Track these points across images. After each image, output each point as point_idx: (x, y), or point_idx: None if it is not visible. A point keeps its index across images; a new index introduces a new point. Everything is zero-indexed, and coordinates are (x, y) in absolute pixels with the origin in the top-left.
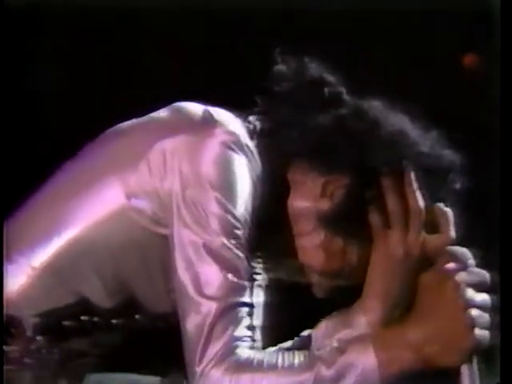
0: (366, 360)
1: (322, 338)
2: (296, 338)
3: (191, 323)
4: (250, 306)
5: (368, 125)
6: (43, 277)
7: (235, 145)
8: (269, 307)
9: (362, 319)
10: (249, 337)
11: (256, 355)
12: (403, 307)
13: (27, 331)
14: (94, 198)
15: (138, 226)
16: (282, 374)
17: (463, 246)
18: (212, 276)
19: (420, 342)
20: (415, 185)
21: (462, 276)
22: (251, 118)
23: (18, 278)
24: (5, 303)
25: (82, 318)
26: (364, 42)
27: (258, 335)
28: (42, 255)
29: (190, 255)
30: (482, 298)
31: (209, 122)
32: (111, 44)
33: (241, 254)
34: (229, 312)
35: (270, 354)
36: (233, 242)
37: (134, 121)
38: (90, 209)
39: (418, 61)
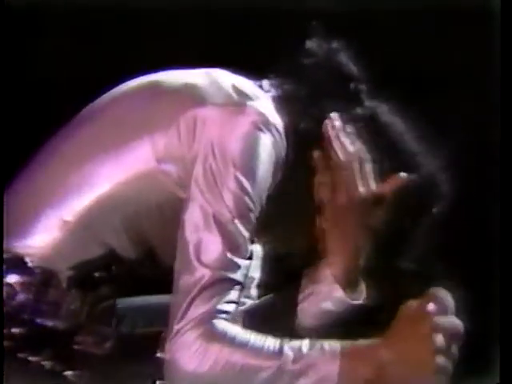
0: (329, 365)
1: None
2: (275, 292)
3: (183, 283)
4: (240, 284)
5: (378, 130)
6: (75, 230)
7: (264, 125)
8: (264, 263)
9: (327, 273)
10: (229, 313)
11: (231, 329)
12: (364, 256)
13: (62, 284)
14: (125, 157)
15: (164, 188)
16: (249, 355)
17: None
18: (213, 246)
19: (386, 364)
20: (335, 140)
21: (440, 320)
22: (264, 84)
23: (50, 232)
24: (40, 257)
25: (109, 268)
26: (363, 42)
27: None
28: (74, 209)
29: (199, 220)
30: (452, 348)
31: (242, 98)
32: (111, 44)
33: (246, 234)
34: (219, 284)
35: (244, 333)
36: (242, 221)
37: (168, 81)
38: (120, 167)
39: (417, 61)
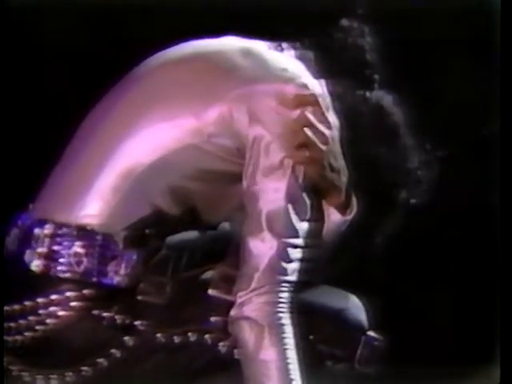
0: None
1: None
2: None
3: (254, 249)
4: (302, 247)
5: (380, 116)
6: (126, 195)
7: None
8: None
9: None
10: (292, 282)
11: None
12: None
13: (119, 244)
14: (172, 131)
15: (217, 157)
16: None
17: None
18: (283, 216)
19: None
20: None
21: None
22: (284, 45)
23: (104, 200)
24: (98, 223)
25: (157, 225)
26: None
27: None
28: (124, 177)
29: (271, 192)
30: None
31: (286, 74)
32: (111, 44)
33: (308, 200)
34: (285, 253)
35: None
36: (306, 189)
37: (216, 57)
38: (168, 139)
39: (417, 61)
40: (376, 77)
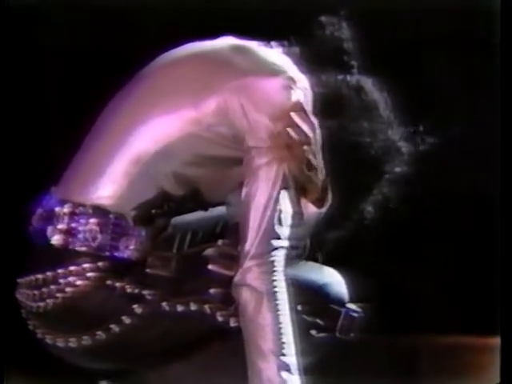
0: None
1: None
2: None
3: (252, 213)
4: (293, 215)
5: (360, 96)
6: (135, 179)
7: (296, 86)
8: None
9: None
10: (286, 248)
11: (279, 291)
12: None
13: (130, 222)
14: (175, 122)
15: (216, 144)
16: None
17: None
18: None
19: None
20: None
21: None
22: (273, 43)
23: (116, 183)
24: (110, 203)
25: (163, 205)
26: (364, 42)
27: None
28: (133, 162)
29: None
30: None
31: (275, 68)
32: (111, 44)
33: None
34: (278, 216)
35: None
36: None
37: (212, 54)
38: (171, 129)
39: (418, 60)
40: (354, 63)
